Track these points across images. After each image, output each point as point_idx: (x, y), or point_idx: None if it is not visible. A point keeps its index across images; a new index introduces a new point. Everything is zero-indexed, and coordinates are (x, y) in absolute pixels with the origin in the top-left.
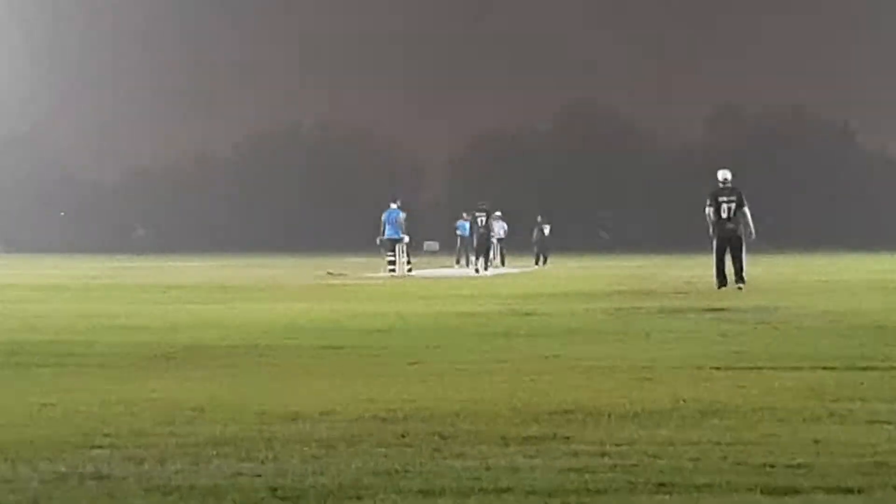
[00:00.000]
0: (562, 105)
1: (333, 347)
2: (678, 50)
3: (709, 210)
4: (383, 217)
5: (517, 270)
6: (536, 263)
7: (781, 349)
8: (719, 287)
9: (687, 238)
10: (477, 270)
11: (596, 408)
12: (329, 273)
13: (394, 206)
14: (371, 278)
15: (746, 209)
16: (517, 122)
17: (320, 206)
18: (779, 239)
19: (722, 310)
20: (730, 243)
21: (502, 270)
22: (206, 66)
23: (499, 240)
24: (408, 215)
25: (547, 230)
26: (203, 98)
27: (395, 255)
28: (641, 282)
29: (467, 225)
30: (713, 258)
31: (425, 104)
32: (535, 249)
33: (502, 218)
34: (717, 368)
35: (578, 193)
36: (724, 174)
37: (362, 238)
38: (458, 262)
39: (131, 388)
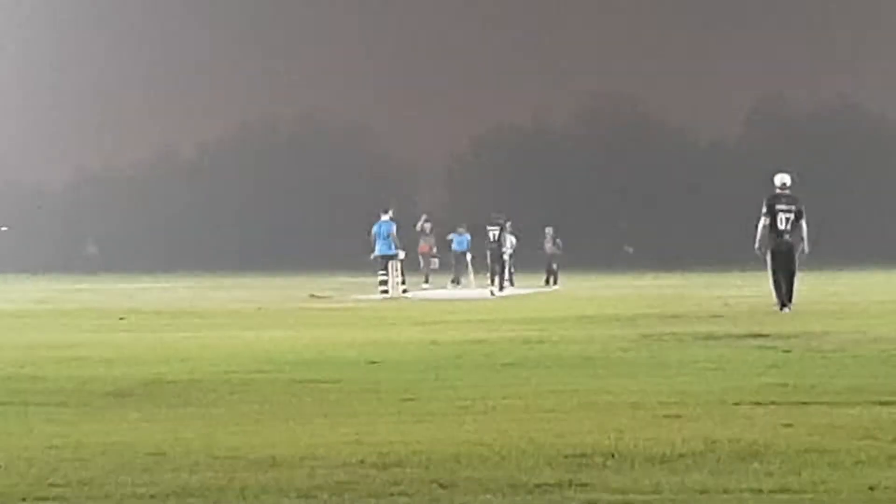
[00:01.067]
0: (579, 99)
1: (316, 382)
2: (713, 34)
3: (764, 220)
4: (373, 230)
5: (528, 291)
6: (547, 283)
7: (832, 381)
8: (781, 307)
9: (724, 252)
10: (492, 293)
11: (618, 450)
12: (312, 296)
13: (385, 217)
14: (361, 301)
15: (804, 223)
16: (527, 118)
17: (301, 218)
18: (828, 252)
19: (764, 336)
20: (785, 259)
21: (511, 291)
22: (167, 55)
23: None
24: (402, 227)
25: (553, 244)
26: (163, 91)
27: (387, 275)
28: (671, 303)
29: (465, 239)
30: (769, 275)
31: (421, 98)
32: (547, 267)
33: (511, 231)
34: (758, 404)
35: (599, 201)
36: (782, 178)
37: (351, 255)
38: (455, 281)
39: (83, 431)
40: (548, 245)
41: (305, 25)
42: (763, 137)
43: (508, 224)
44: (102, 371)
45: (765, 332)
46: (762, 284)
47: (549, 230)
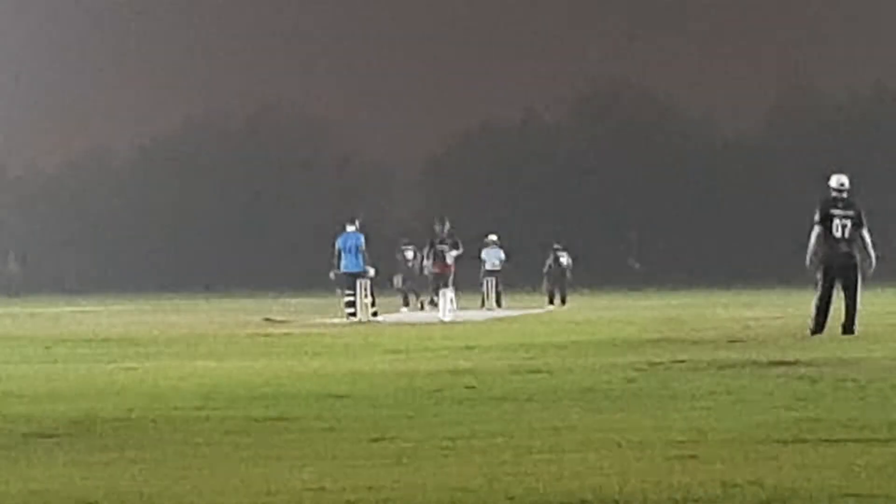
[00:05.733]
0: (579, 88)
1: (273, 419)
2: (732, 14)
3: (818, 229)
4: (338, 243)
5: (520, 312)
6: (551, 303)
7: (868, 416)
8: (814, 332)
9: (745, 267)
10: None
11: (623, 495)
12: (268, 319)
13: (351, 228)
14: (323, 325)
15: (866, 231)
16: (517, 111)
17: (254, 230)
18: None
19: (790, 363)
20: (843, 273)
21: (499, 313)
22: (100, 43)
23: (491, 272)
24: (371, 240)
25: (565, 260)
26: (94, 86)
27: (355, 295)
28: (684, 326)
29: (411, 252)
30: (817, 290)
31: (394, 89)
32: (548, 285)
33: (497, 244)
34: (784, 442)
35: (601, 207)
36: (839, 180)
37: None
38: (432, 302)
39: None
40: (552, 261)
41: (255, 6)
42: (790, 132)
43: (493, 236)
44: (23, 408)
45: (791, 358)
46: (788, 304)
47: (556, 245)
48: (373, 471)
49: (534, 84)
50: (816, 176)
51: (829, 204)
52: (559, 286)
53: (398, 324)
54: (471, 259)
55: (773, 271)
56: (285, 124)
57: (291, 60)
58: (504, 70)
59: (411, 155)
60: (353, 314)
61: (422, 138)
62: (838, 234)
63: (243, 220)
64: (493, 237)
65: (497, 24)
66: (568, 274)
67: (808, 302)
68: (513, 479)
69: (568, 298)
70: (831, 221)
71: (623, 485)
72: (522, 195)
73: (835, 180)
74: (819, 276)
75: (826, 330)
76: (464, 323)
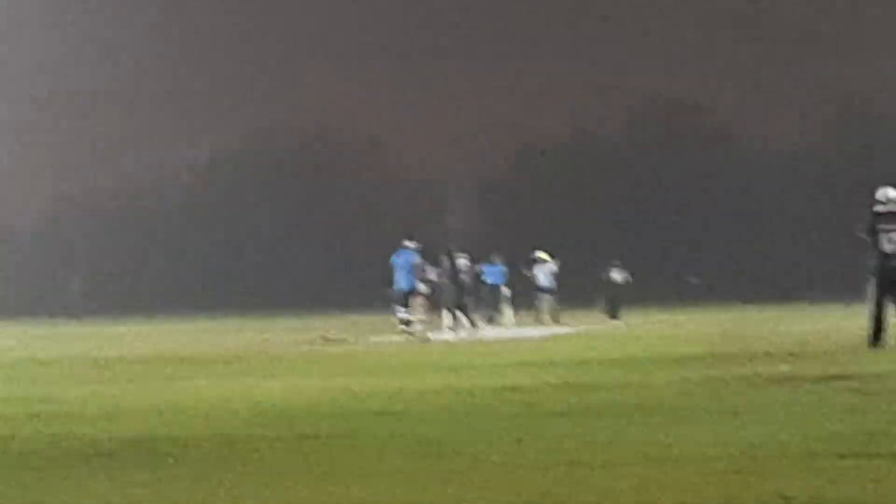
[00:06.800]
0: (632, 105)
1: (327, 437)
2: (786, 28)
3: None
4: (394, 261)
5: (576, 329)
6: (610, 318)
7: None
8: (872, 344)
9: (802, 281)
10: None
11: None
12: (324, 338)
13: (409, 245)
14: (378, 343)
15: None
16: (572, 130)
17: (310, 248)
18: None
19: (846, 377)
20: (893, 290)
21: (554, 329)
22: (157, 67)
23: (543, 288)
24: (427, 257)
25: (621, 276)
26: (152, 109)
27: (409, 312)
28: (740, 341)
29: (499, 270)
30: (869, 304)
31: (449, 107)
32: (604, 301)
33: (548, 260)
34: (843, 456)
35: (657, 223)
36: (885, 193)
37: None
38: (489, 319)
39: (59, 500)
40: (614, 276)
41: (311, 26)
42: (845, 147)
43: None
44: (81, 428)
45: (847, 372)
46: (844, 318)
47: (615, 263)
48: (428, 486)
49: (589, 102)
50: (872, 190)
51: (876, 218)
52: (616, 302)
53: (452, 341)
54: (523, 275)
55: (830, 285)
56: (340, 144)
57: (346, 80)
58: (559, 89)
59: (467, 171)
60: (408, 332)
61: (476, 156)
62: (888, 249)
63: (300, 239)
64: (543, 254)
65: (550, 43)
66: (625, 290)
67: (864, 315)
68: (569, 494)
69: (624, 314)
70: (878, 236)
71: (680, 500)
72: (577, 212)
73: (881, 193)
74: (870, 289)
75: (882, 343)
76: (519, 339)
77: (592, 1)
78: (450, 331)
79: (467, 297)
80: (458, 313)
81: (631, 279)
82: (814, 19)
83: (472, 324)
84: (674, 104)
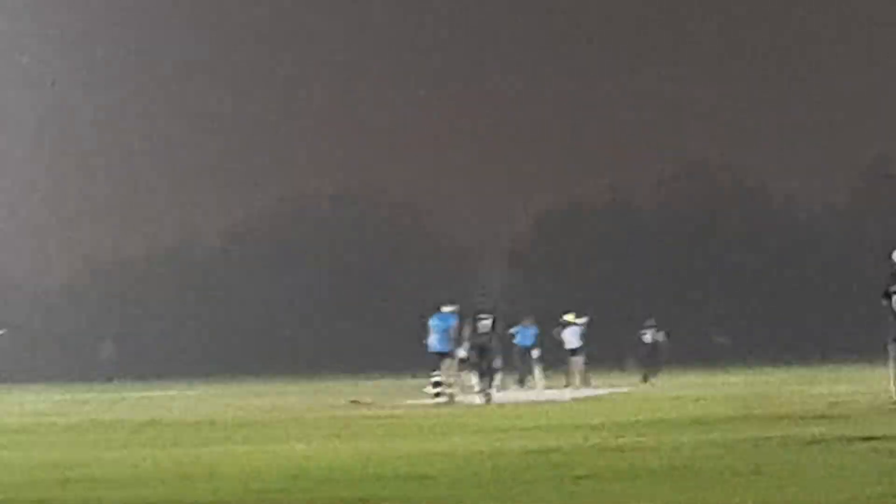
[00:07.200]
0: (665, 168)
1: (358, 500)
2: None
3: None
4: (431, 323)
5: (606, 391)
6: (644, 381)
7: None
8: None
9: (832, 342)
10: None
11: None
12: (354, 401)
13: (448, 309)
14: (410, 407)
15: None
16: (603, 193)
17: (343, 312)
18: None
19: (879, 438)
20: None
21: (585, 392)
22: (186, 130)
23: (572, 350)
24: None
25: (652, 337)
26: (182, 171)
27: (442, 375)
28: (772, 402)
29: (530, 332)
30: (893, 366)
31: (479, 170)
32: (639, 362)
33: (575, 323)
34: None
35: (687, 283)
36: None
37: (398, 354)
38: (520, 381)
39: None
40: (648, 337)
41: (343, 93)
42: (874, 209)
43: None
44: (112, 494)
45: (879, 433)
46: (874, 379)
47: (649, 323)
48: None
49: (619, 165)
50: None
51: (891, 280)
52: (651, 363)
53: (480, 403)
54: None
55: (859, 347)
56: (373, 207)
57: (378, 144)
58: (589, 152)
59: (496, 234)
60: (440, 395)
61: (509, 218)
62: None
63: (331, 303)
64: (570, 316)
65: (583, 109)
66: (661, 351)
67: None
68: None
69: (657, 376)
70: (891, 298)
71: None
72: (610, 274)
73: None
74: (892, 351)
75: None
76: (549, 402)
77: (624, 64)
78: (479, 393)
79: (494, 359)
80: (486, 376)
81: (667, 339)
82: (851, 76)
83: (501, 386)
84: (703, 165)
